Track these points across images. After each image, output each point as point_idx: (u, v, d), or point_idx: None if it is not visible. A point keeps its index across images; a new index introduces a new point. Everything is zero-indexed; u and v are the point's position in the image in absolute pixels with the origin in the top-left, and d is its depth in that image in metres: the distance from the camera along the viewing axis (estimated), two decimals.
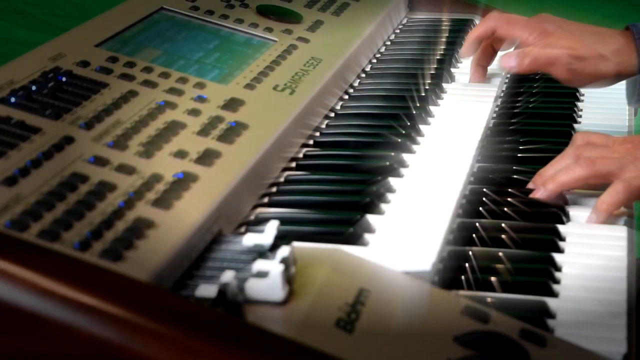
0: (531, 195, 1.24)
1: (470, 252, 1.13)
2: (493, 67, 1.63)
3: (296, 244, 0.99)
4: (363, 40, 1.64)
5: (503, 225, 1.19)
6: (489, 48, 1.59)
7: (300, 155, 1.34)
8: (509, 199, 1.25)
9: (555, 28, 1.49)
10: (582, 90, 1.65)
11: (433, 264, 1.04)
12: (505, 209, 1.23)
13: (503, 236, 1.17)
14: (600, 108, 1.62)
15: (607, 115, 1.59)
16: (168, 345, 0.82)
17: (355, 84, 1.59)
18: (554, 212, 1.23)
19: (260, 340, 0.83)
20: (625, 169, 1.21)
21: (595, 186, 1.26)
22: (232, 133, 1.20)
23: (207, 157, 1.13)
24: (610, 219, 1.21)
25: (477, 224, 1.19)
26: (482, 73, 1.61)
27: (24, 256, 0.88)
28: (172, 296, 0.90)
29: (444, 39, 1.76)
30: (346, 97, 1.54)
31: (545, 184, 1.24)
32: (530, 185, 1.27)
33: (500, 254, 1.13)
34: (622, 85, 1.61)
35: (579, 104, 1.62)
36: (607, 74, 1.47)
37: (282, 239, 0.99)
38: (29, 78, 1.21)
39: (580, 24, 1.51)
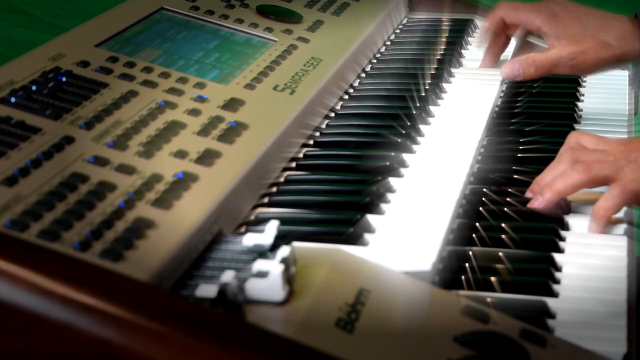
0: (529, 205, 1.23)
1: (470, 252, 1.13)
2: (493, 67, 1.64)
3: (296, 244, 0.99)
4: (363, 40, 1.64)
5: (503, 225, 1.19)
6: (502, 35, 1.63)
7: (300, 155, 1.34)
8: (509, 199, 1.25)
9: (561, 10, 1.53)
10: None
11: (433, 264, 1.04)
12: (505, 209, 1.23)
13: (503, 236, 1.17)
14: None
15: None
16: (168, 345, 0.82)
17: (355, 84, 1.59)
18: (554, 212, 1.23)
19: (260, 340, 0.83)
20: (620, 172, 1.20)
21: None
22: (232, 133, 1.20)
23: (207, 157, 1.13)
24: (609, 227, 1.20)
25: (477, 224, 1.19)
26: (493, 59, 1.64)
27: (24, 256, 0.88)
28: (172, 296, 0.90)
29: (444, 39, 1.76)
30: (346, 97, 1.54)
31: (543, 192, 1.22)
32: (528, 194, 1.26)
33: (500, 254, 1.13)
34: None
35: (579, 103, 1.62)
36: (609, 60, 1.51)
37: (282, 239, 0.99)
38: (29, 78, 1.21)
39: (587, 8, 1.54)
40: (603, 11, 1.54)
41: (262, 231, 1.00)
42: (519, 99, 1.61)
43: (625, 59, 1.52)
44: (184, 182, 1.07)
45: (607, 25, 1.51)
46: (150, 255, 0.94)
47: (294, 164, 1.31)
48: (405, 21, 1.91)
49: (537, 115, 1.54)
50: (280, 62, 1.45)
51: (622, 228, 1.21)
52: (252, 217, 1.17)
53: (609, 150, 1.24)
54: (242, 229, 1.14)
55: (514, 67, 1.53)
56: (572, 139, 1.30)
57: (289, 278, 0.93)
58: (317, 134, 1.40)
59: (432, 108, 1.48)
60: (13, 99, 1.15)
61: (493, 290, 1.07)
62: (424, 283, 1.01)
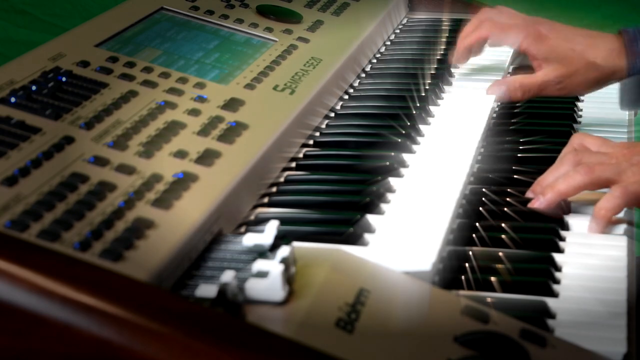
0: (530, 205, 1.23)
1: (470, 252, 1.13)
2: (494, 66, 1.63)
3: (296, 244, 0.99)
4: (363, 40, 1.64)
5: (503, 225, 1.19)
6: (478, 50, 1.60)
7: (300, 155, 1.34)
8: (508, 199, 1.25)
9: (549, 31, 1.49)
10: None
11: (433, 264, 1.04)
12: (505, 209, 1.23)
13: (503, 236, 1.17)
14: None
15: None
16: (168, 345, 0.82)
17: (355, 84, 1.59)
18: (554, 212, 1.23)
19: (260, 340, 0.83)
20: (622, 175, 1.20)
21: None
22: (232, 133, 1.20)
23: (207, 157, 1.13)
24: (609, 227, 1.20)
25: (477, 224, 1.19)
26: (466, 55, 1.59)
27: (24, 256, 0.88)
28: (172, 296, 0.90)
29: (444, 39, 1.76)
30: (346, 97, 1.54)
31: (544, 192, 1.22)
32: (529, 194, 1.26)
33: (500, 254, 1.13)
34: None
35: (579, 104, 1.62)
36: (597, 81, 1.49)
37: (282, 239, 0.99)
38: (29, 78, 1.21)
39: (573, 27, 1.52)
40: (590, 30, 1.51)
41: (262, 231, 1.00)
42: None
43: (613, 78, 1.50)
44: (184, 182, 1.07)
45: (594, 45, 1.48)
46: (150, 255, 0.94)
47: (294, 164, 1.31)
48: (405, 21, 1.91)
49: (537, 115, 1.54)
50: (280, 62, 1.45)
51: (622, 228, 1.21)
52: (252, 217, 1.17)
53: (612, 152, 1.24)
54: (242, 229, 1.14)
55: (500, 90, 1.50)
56: (575, 140, 1.30)
57: (289, 278, 0.93)
58: (317, 134, 1.40)
59: (432, 108, 1.48)
60: (13, 99, 1.15)
61: (493, 290, 1.07)
62: (424, 283, 1.01)
